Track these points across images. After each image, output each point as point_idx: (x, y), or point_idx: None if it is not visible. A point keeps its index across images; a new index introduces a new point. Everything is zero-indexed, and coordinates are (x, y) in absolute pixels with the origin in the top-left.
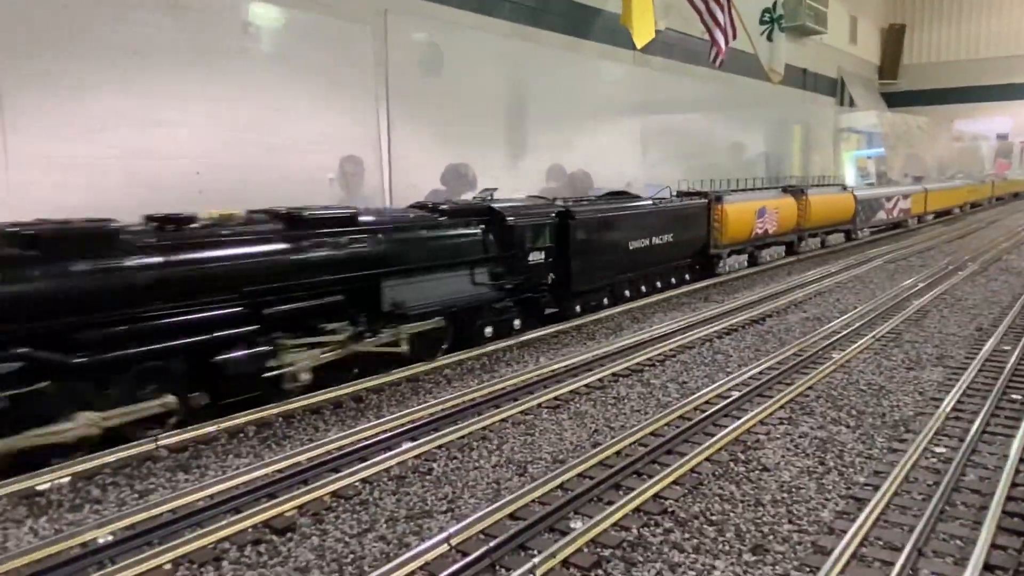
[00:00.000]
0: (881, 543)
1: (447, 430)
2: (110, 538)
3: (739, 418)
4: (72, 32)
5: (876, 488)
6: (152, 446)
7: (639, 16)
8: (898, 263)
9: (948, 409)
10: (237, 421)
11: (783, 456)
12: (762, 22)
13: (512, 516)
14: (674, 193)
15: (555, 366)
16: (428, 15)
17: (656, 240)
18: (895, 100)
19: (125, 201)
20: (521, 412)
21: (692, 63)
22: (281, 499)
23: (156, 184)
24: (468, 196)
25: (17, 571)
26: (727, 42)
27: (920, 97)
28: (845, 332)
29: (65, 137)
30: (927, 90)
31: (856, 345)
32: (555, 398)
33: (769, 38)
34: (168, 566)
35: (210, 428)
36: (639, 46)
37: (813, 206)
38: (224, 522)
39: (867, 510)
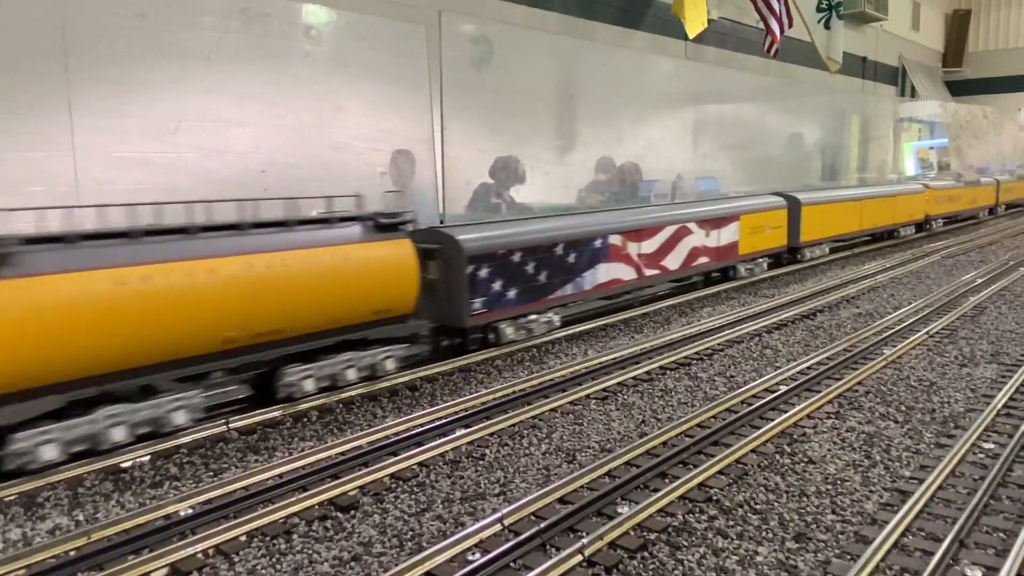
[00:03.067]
0: (923, 534)
1: (499, 418)
2: (190, 511)
3: (786, 412)
4: (146, 39)
5: (921, 481)
6: (223, 428)
7: (691, 6)
8: (957, 258)
9: (1000, 406)
10: (301, 407)
11: (829, 449)
12: (819, 9)
13: (562, 500)
14: None
15: (603, 359)
16: (480, 12)
17: None
18: (960, 88)
19: (197, 198)
20: (570, 403)
21: (746, 53)
22: (344, 479)
23: (224, 181)
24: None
25: (109, 539)
26: (782, 31)
27: (986, 85)
28: (898, 328)
29: (141, 137)
30: (994, 78)
31: (908, 341)
32: (603, 389)
33: (827, 26)
34: (243, 537)
35: (276, 412)
36: (691, 36)
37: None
38: (293, 499)
39: (911, 502)
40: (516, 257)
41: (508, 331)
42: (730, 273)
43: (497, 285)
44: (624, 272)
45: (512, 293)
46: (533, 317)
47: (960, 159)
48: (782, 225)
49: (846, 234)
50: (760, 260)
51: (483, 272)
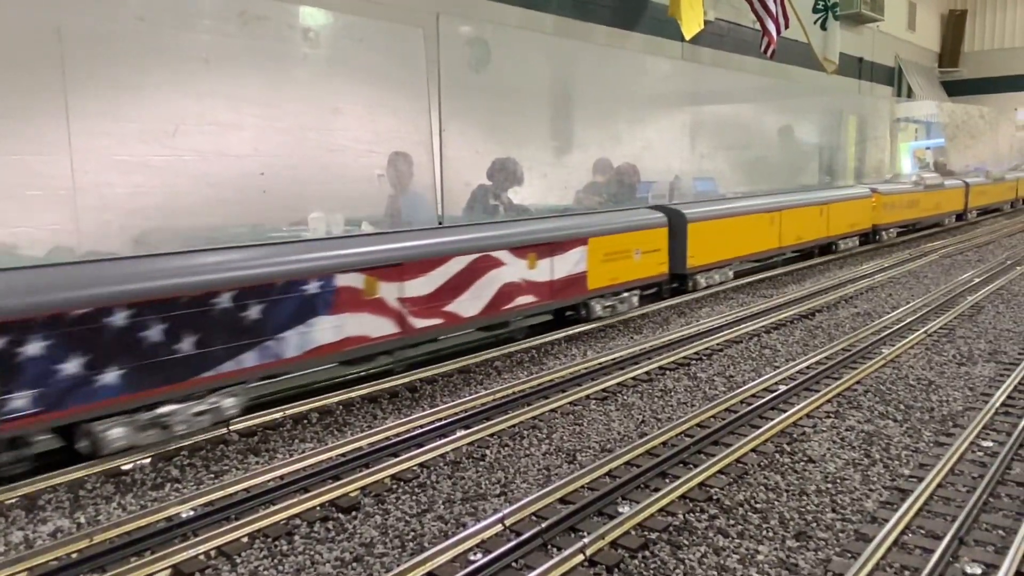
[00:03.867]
0: (923, 531)
1: (499, 419)
2: (191, 513)
3: (785, 411)
4: (143, 42)
5: (920, 480)
6: (224, 431)
7: (688, 7)
8: (954, 258)
9: (998, 404)
10: (301, 408)
11: (828, 448)
12: (815, 10)
13: (562, 500)
14: None
15: (602, 359)
16: (477, 14)
17: None
18: (956, 89)
19: (196, 201)
20: (569, 403)
21: (743, 53)
22: (345, 480)
23: (223, 184)
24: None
25: (111, 541)
26: (779, 32)
27: (982, 85)
28: (896, 327)
29: (139, 140)
30: (990, 78)
31: (907, 340)
32: (603, 390)
33: (823, 27)
34: (245, 539)
35: (276, 415)
36: (687, 37)
37: None
38: (294, 500)
39: (910, 500)
40: (119, 318)
41: (115, 434)
42: (582, 312)
43: (73, 365)
44: (372, 325)
45: (113, 375)
46: (171, 408)
47: (947, 159)
48: (661, 247)
49: (759, 253)
50: (626, 294)
51: (32, 346)
